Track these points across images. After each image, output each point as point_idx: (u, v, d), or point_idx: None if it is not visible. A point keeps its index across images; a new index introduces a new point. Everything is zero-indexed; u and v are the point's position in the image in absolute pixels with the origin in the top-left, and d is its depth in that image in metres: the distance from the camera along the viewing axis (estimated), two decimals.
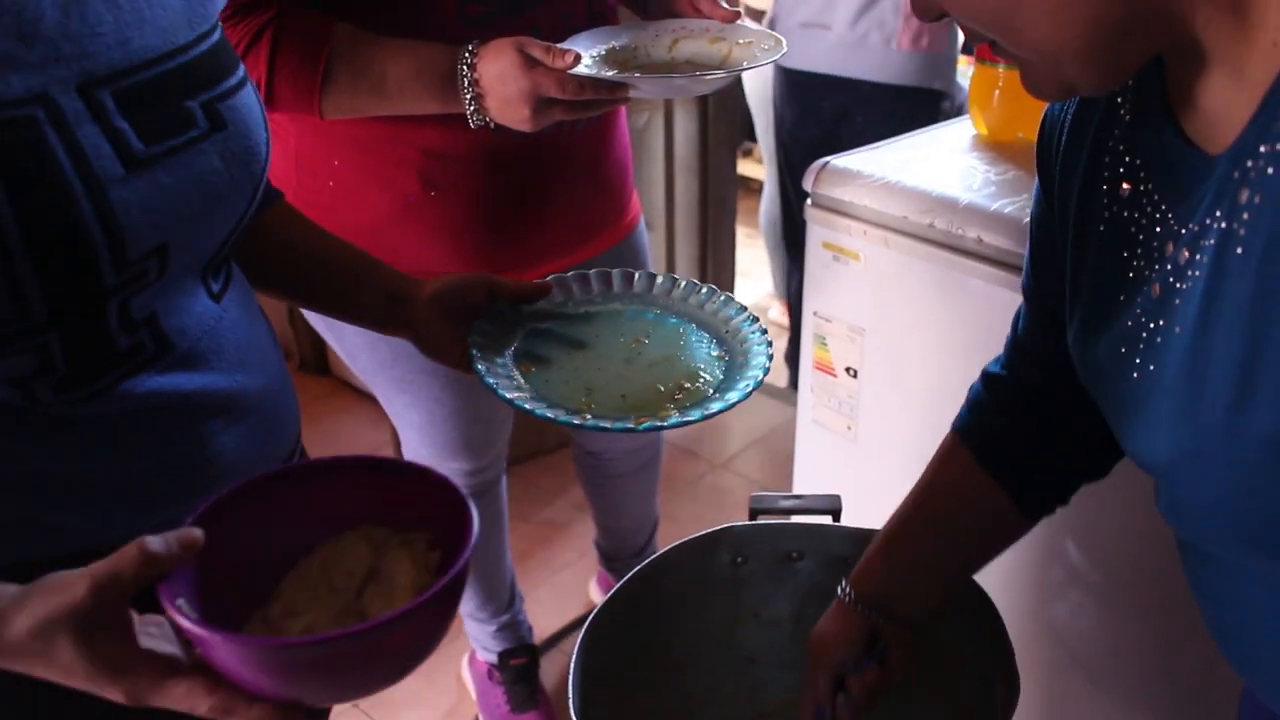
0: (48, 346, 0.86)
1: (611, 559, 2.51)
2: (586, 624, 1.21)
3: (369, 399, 1.92)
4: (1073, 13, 0.70)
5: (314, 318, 1.77)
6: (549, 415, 1.08)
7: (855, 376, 1.79)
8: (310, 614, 0.93)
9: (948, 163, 1.75)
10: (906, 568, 1.17)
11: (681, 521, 2.85)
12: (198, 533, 0.83)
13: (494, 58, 1.41)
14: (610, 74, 1.44)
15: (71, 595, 0.75)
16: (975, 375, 1.19)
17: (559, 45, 1.42)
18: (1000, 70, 1.78)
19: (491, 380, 1.12)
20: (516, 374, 1.17)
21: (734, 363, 1.20)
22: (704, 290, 1.28)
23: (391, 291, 1.22)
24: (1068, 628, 1.66)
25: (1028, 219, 1.05)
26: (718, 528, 1.33)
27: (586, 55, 1.45)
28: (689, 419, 1.09)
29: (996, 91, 1.79)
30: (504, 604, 2.27)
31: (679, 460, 3.20)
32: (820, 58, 2.81)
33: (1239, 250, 0.69)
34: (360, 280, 1.23)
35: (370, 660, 0.85)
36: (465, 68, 1.43)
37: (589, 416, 1.09)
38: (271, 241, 1.16)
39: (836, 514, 1.37)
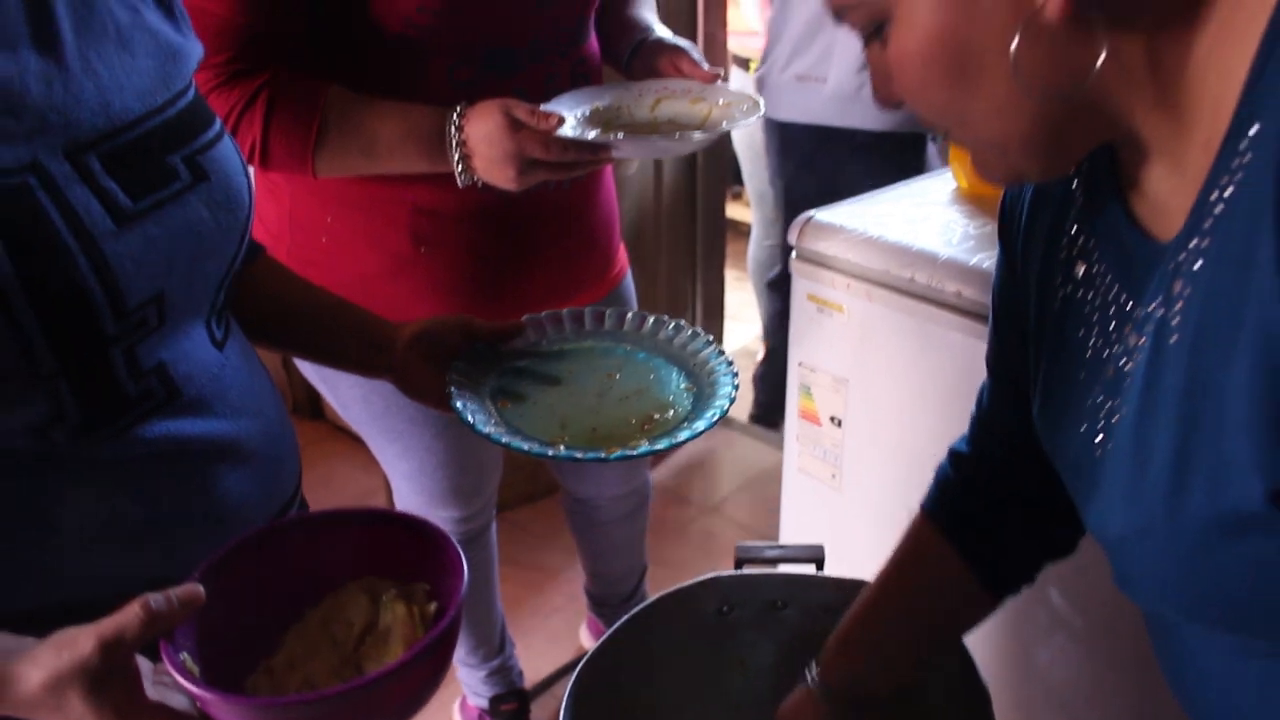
0: (59, 395, 0.90)
1: (600, 604, 2.53)
2: (577, 670, 1.23)
3: (362, 444, 1.94)
4: (1017, 110, 0.73)
5: (308, 369, 1.80)
6: (524, 448, 1.12)
7: (839, 426, 1.82)
8: (309, 666, 0.96)
9: (929, 216, 1.78)
10: (874, 652, 1.18)
11: (671, 565, 2.86)
12: (199, 589, 0.87)
13: (481, 119, 1.45)
14: (593, 135, 1.48)
15: (80, 651, 0.79)
16: (955, 426, 1.20)
17: (544, 107, 1.46)
18: None
19: (469, 416, 1.16)
20: (493, 410, 1.21)
21: (702, 394, 1.24)
22: (672, 325, 1.32)
23: (371, 336, 1.27)
24: (1049, 672, 1.68)
25: None
26: (704, 577, 1.35)
27: (571, 116, 1.49)
28: (657, 448, 1.13)
29: None
30: (495, 649, 2.28)
31: (669, 504, 3.21)
32: (817, 110, 2.84)
33: (1173, 340, 0.71)
34: (341, 326, 1.28)
35: (363, 714, 0.88)
36: (453, 129, 1.46)
37: (562, 448, 1.13)
38: (256, 294, 1.20)
39: (820, 563, 1.40)
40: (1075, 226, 0.88)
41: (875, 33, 0.76)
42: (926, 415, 1.67)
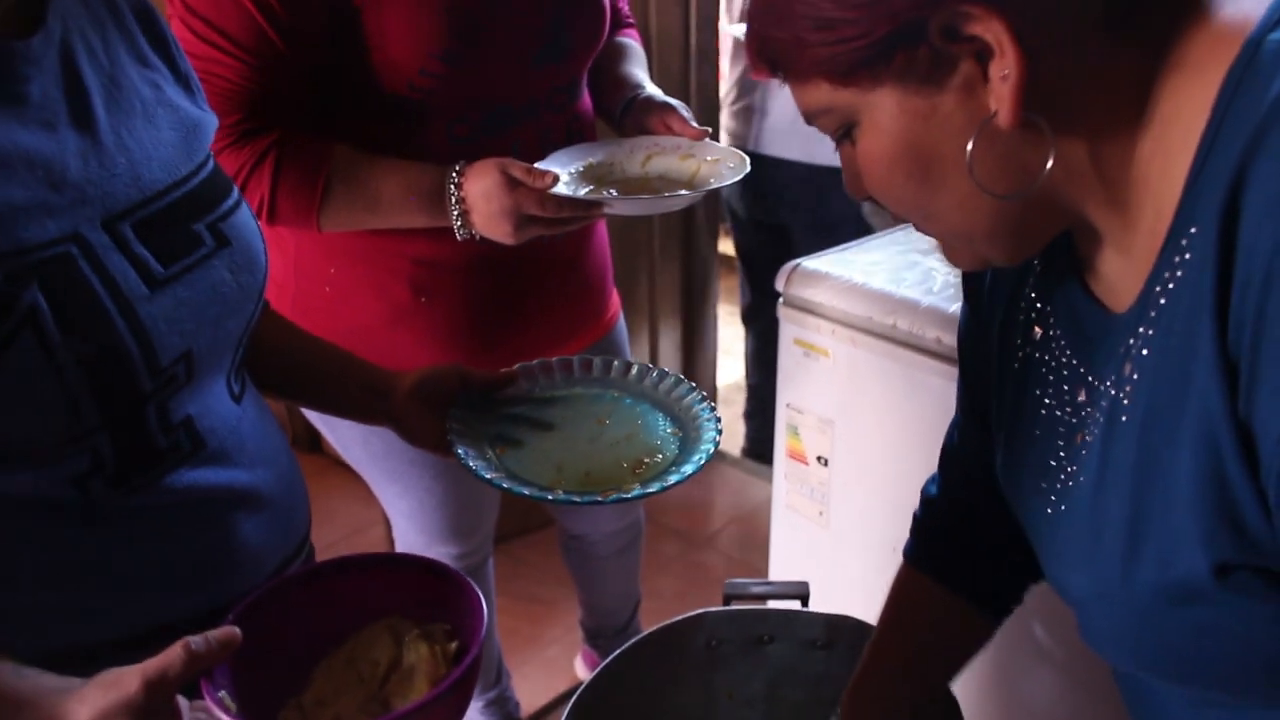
0: (99, 449, 0.96)
1: (595, 636, 2.56)
2: (571, 702, 1.27)
3: (360, 477, 1.99)
4: (978, 206, 0.78)
5: (309, 412, 1.85)
6: (524, 492, 1.19)
7: (826, 465, 1.87)
8: (338, 703, 1.02)
9: (912, 264, 1.84)
10: (890, 694, 1.20)
11: (664, 598, 2.89)
12: (236, 632, 0.92)
13: (479, 177, 1.51)
14: (586, 192, 1.54)
15: (126, 689, 0.84)
16: (936, 467, 1.24)
17: (539, 164, 1.52)
18: None
19: (471, 463, 1.22)
20: (492, 456, 1.27)
21: (688, 438, 1.30)
22: (655, 373, 1.39)
23: (370, 385, 1.33)
24: (1031, 704, 1.72)
25: None
26: (694, 613, 1.40)
27: (564, 172, 1.54)
28: (649, 491, 1.19)
29: None
30: (491, 680, 2.33)
31: (662, 538, 3.24)
32: (759, 140, 3.03)
33: (1124, 419, 0.76)
34: (342, 376, 1.34)
35: None
36: (453, 186, 1.52)
37: (560, 492, 1.19)
38: (260, 348, 1.25)
39: (805, 599, 1.45)
40: (1033, 292, 0.93)
41: (845, 134, 0.82)
42: (910, 456, 1.72)
